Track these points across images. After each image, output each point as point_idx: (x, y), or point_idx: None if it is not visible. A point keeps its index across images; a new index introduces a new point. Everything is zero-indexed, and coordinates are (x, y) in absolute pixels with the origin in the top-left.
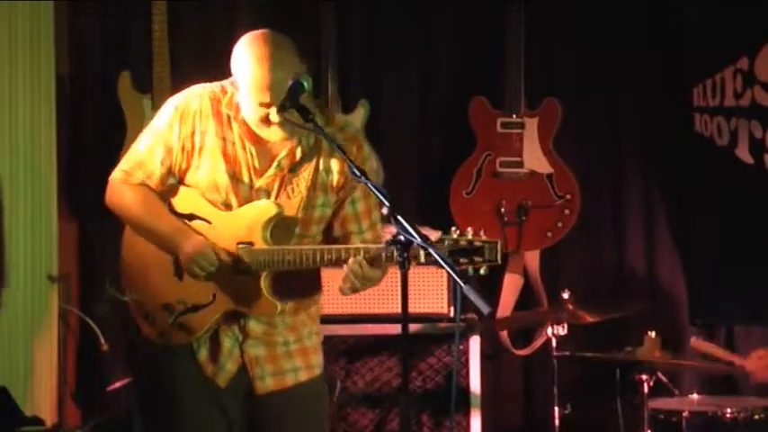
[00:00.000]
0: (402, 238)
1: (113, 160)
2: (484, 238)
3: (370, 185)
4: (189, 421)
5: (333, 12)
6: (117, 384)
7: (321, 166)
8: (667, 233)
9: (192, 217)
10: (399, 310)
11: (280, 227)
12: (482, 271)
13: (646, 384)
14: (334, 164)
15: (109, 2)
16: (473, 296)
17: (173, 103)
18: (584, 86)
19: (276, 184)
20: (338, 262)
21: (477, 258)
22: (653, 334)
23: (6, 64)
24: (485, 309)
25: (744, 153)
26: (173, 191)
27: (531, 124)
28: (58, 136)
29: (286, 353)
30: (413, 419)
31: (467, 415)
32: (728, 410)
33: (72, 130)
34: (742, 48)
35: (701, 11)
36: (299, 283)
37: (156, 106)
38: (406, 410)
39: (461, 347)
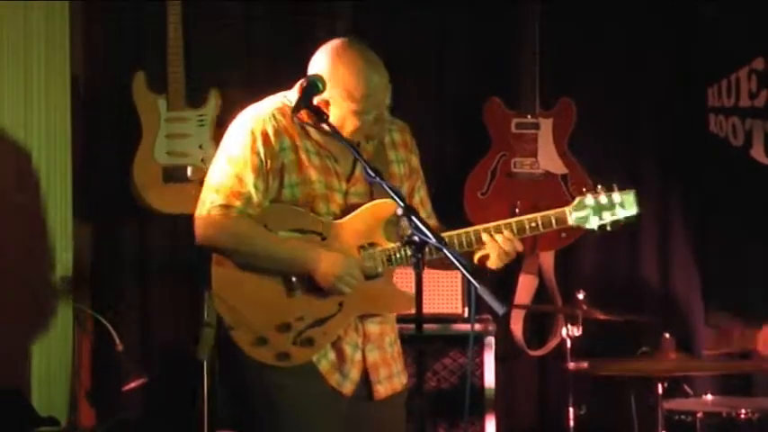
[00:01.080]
0: (417, 238)
1: (128, 161)
2: (619, 191)
3: (384, 186)
4: None
5: (348, 12)
6: (132, 384)
7: (391, 157)
8: (682, 233)
9: (300, 231)
10: (414, 311)
11: (391, 221)
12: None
13: (660, 385)
14: (401, 154)
15: (124, 2)
16: (487, 297)
17: (247, 128)
18: (598, 87)
19: (365, 186)
20: (477, 242)
21: (618, 211)
22: (668, 335)
23: (22, 64)
24: (499, 309)
25: (759, 153)
26: (270, 213)
27: (546, 125)
28: (73, 137)
29: (392, 356)
30: (427, 420)
31: (481, 416)
32: (743, 411)
33: (87, 130)
34: (757, 48)
35: (716, 11)
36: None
37: (170, 107)
38: (421, 411)
39: (476, 348)
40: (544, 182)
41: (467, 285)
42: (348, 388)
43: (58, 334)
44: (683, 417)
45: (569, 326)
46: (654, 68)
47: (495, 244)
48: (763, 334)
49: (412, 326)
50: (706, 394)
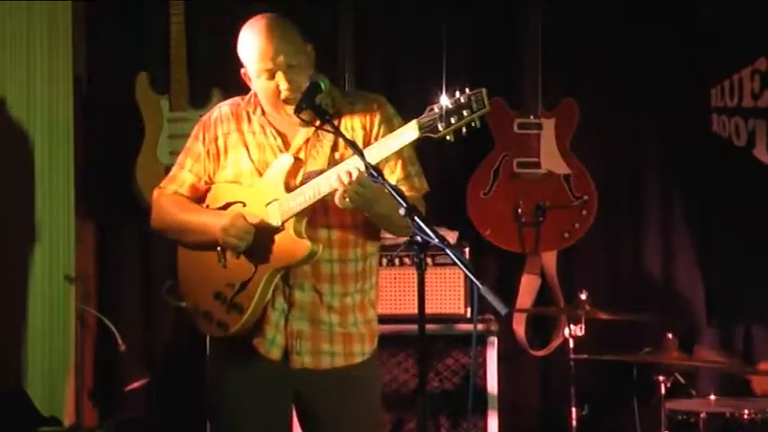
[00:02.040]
0: (419, 238)
1: (131, 161)
2: (468, 92)
3: (387, 186)
4: (240, 404)
5: (350, 13)
6: (134, 384)
7: (343, 127)
8: (685, 233)
9: (226, 205)
10: (416, 311)
11: (291, 176)
12: (476, 124)
13: (663, 385)
14: (357, 122)
15: (126, 2)
16: (490, 297)
17: (199, 120)
18: (601, 87)
19: (302, 155)
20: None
21: (466, 112)
22: (670, 335)
23: (24, 64)
24: (502, 309)
25: (762, 153)
26: (208, 193)
27: (549, 125)
28: (76, 137)
29: (329, 334)
30: (430, 420)
31: (484, 416)
32: (746, 412)
33: (89, 131)
34: (760, 48)
35: (719, 12)
36: (345, 253)
37: (173, 107)
38: (424, 411)
39: (479, 348)
40: (547, 182)
41: (469, 285)
42: (275, 353)
43: (61, 334)
44: (685, 417)
45: (572, 326)
46: (656, 69)
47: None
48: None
49: (415, 326)
50: (709, 395)
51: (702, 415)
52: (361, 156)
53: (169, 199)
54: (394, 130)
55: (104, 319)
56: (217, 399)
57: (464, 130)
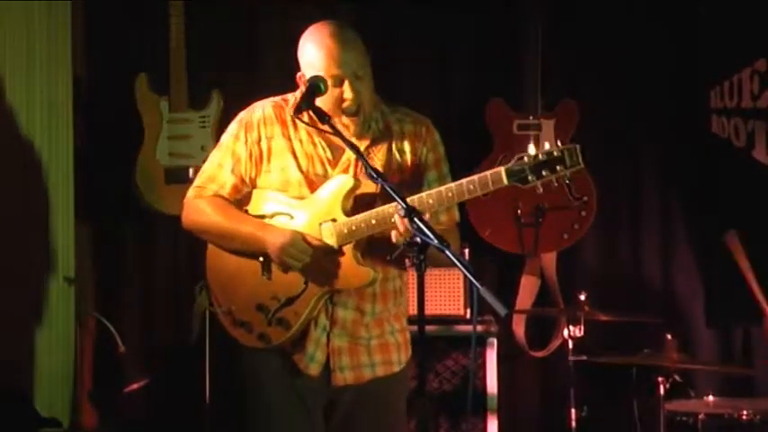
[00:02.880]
0: (419, 239)
1: (130, 162)
2: (560, 146)
3: (386, 186)
4: (276, 418)
5: (350, 13)
6: (134, 386)
7: (394, 147)
8: (684, 234)
9: (272, 215)
10: (416, 312)
11: (361, 203)
12: (567, 180)
13: (662, 386)
14: (407, 145)
15: (126, 3)
16: (490, 298)
17: (238, 118)
18: (600, 88)
19: (351, 170)
20: (429, 209)
21: (559, 168)
22: (669, 336)
23: (24, 65)
24: (501, 310)
25: (761, 154)
26: (250, 198)
27: (548, 126)
28: (75, 138)
29: (366, 347)
30: (430, 421)
31: (483, 417)
32: (745, 412)
33: (89, 132)
34: (759, 49)
35: (718, 12)
36: (387, 273)
37: (173, 108)
38: (424, 412)
39: (478, 349)
40: (546, 183)
41: (469, 286)
42: (314, 369)
43: (61, 335)
44: (684, 418)
45: (571, 327)
46: (656, 69)
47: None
48: None
49: (414, 327)
50: (708, 395)
51: (701, 416)
52: (369, 169)
53: (211, 201)
54: (439, 158)
55: (104, 320)
56: (251, 409)
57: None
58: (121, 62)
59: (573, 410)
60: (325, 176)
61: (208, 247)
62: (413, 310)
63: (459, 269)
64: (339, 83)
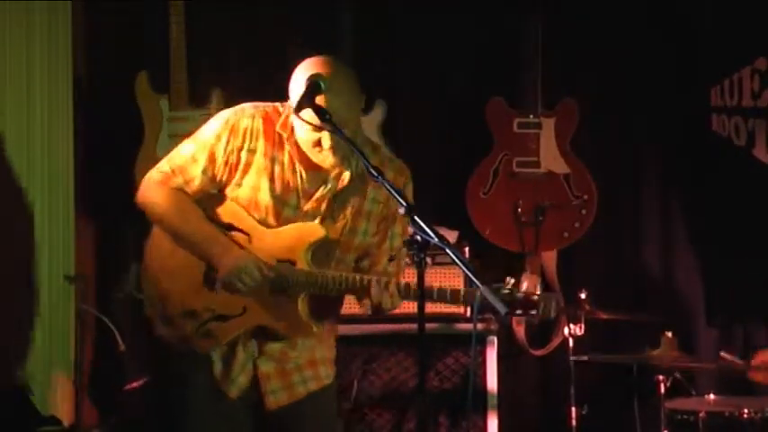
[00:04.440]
0: (419, 238)
1: (131, 161)
2: (539, 292)
3: (386, 185)
4: (196, 428)
5: (349, 12)
6: (134, 384)
7: (369, 195)
8: (684, 233)
9: (230, 227)
10: (416, 310)
11: (321, 249)
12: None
13: (663, 385)
14: (382, 195)
15: (126, 2)
16: (490, 297)
17: (223, 117)
18: (601, 87)
19: (323, 207)
20: (366, 290)
21: (531, 312)
22: (670, 334)
23: (24, 64)
24: (501, 309)
25: (761, 153)
26: (215, 201)
27: (548, 124)
28: (75, 136)
29: (295, 366)
30: (430, 420)
31: (484, 415)
32: (745, 411)
33: (89, 130)
34: (759, 48)
35: (719, 11)
36: (334, 307)
37: (173, 107)
38: (424, 411)
39: (478, 348)
40: (546, 181)
41: (469, 285)
42: (233, 393)
43: (61, 333)
44: (685, 416)
45: (572, 325)
46: (656, 68)
47: (378, 297)
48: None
49: (414, 325)
50: (708, 394)
51: (702, 414)
52: (368, 166)
53: (173, 195)
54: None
55: (104, 318)
56: (174, 412)
57: None
58: (122, 61)
59: (573, 409)
60: (297, 207)
61: (153, 230)
62: (411, 307)
63: (460, 267)
64: (318, 130)
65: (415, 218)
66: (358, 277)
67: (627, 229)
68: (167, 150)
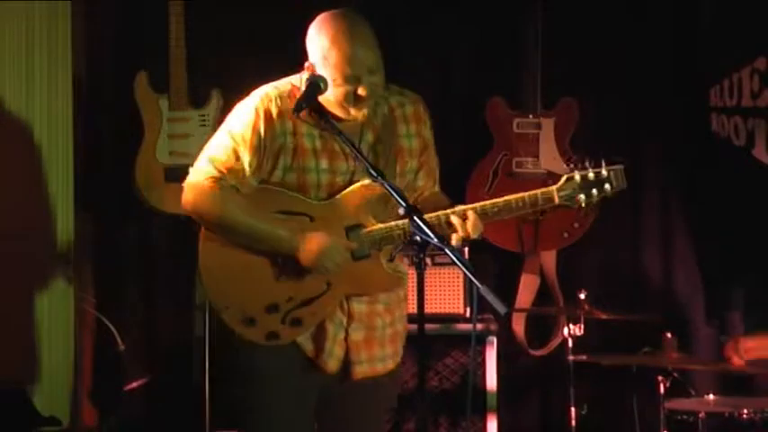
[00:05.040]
0: (418, 238)
1: (130, 161)
2: (606, 167)
3: (386, 186)
4: (288, 419)
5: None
6: (133, 384)
7: (401, 132)
8: (683, 233)
9: (287, 213)
10: (416, 311)
11: (379, 202)
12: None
13: (662, 385)
14: (413, 128)
15: (126, 2)
16: (490, 296)
17: (252, 106)
18: (600, 86)
19: (370, 161)
20: (447, 225)
21: (607, 187)
22: (669, 335)
23: (24, 63)
24: (501, 309)
25: (761, 153)
26: (262, 193)
27: (548, 124)
28: (75, 136)
29: (381, 338)
30: (429, 420)
31: (483, 415)
32: (745, 411)
33: (89, 130)
34: (759, 48)
35: (719, 11)
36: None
37: (172, 107)
38: (423, 411)
39: (478, 348)
40: (546, 181)
41: (469, 285)
42: (333, 365)
43: (60, 333)
44: (684, 417)
45: (571, 325)
46: (656, 68)
47: (464, 227)
48: (741, 346)
49: (414, 325)
50: (708, 394)
51: (701, 414)
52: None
53: (233, 197)
54: (432, 133)
55: (104, 318)
56: (252, 407)
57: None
58: (121, 61)
59: (573, 409)
60: (346, 173)
61: (202, 243)
62: (410, 308)
63: (459, 268)
64: (354, 80)
65: (415, 218)
66: (439, 215)
67: (626, 229)
68: (167, 150)
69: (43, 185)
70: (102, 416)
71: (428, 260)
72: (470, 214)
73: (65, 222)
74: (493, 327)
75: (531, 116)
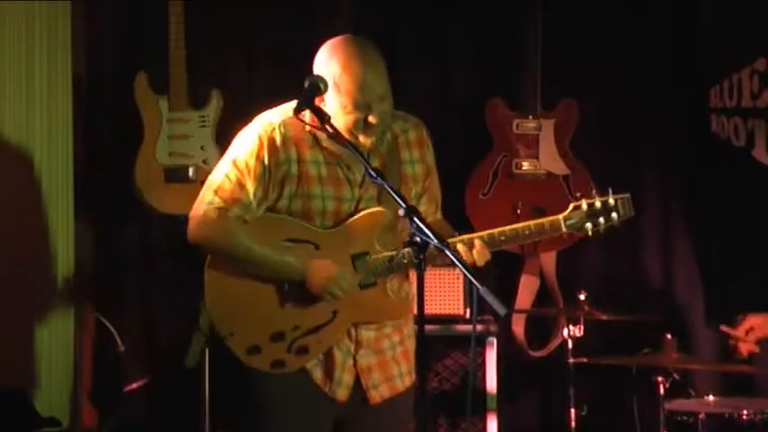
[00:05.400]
0: (418, 239)
1: (130, 162)
2: (613, 195)
3: (386, 186)
4: None
5: (351, 13)
6: (133, 385)
7: (404, 158)
8: (683, 234)
9: (294, 241)
10: (416, 312)
11: (386, 229)
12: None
13: (662, 386)
14: (416, 154)
15: (126, 2)
16: (489, 298)
17: (255, 133)
18: (600, 87)
19: (374, 190)
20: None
21: (614, 215)
22: (669, 336)
23: (23, 64)
24: (501, 310)
25: (761, 154)
26: (267, 221)
27: (548, 125)
28: (75, 136)
29: (393, 357)
30: (429, 421)
31: (483, 416)
32: (745, 412)
33: (89, 130)
34: (759, 48)
35: (719, 11)
36: (402, 282)
37: (172, 107)
38: (423, 412)
39: (478, 349)
40: (546, 183)
41: (469, 286)
42: (342, 394)
43: (60, 334)
44: (684, 418)
45: (571, 326)
46: (655, 69)
47: (470, 255)
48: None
49: (414, 326)
50: (708, 395)
51: (701, 415)
52: (369, 169)
53: (235, 227)
54: (434, 158)
55: (103, 319)
56: (263, 429)
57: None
58: (121, 61)
59: (573, 410)
60: (352, 200)
61: (207, 271)
62: (413, 309)
63: (459, 269)
64: (365, 108)
65: (415, 219)
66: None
67: (626, 230)
68: (167, 151)
69: (43, 186)
70: (102, 416)
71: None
72: (477, 242)
73: (65, 224)
74: (493, 328)
75: (530, 117)
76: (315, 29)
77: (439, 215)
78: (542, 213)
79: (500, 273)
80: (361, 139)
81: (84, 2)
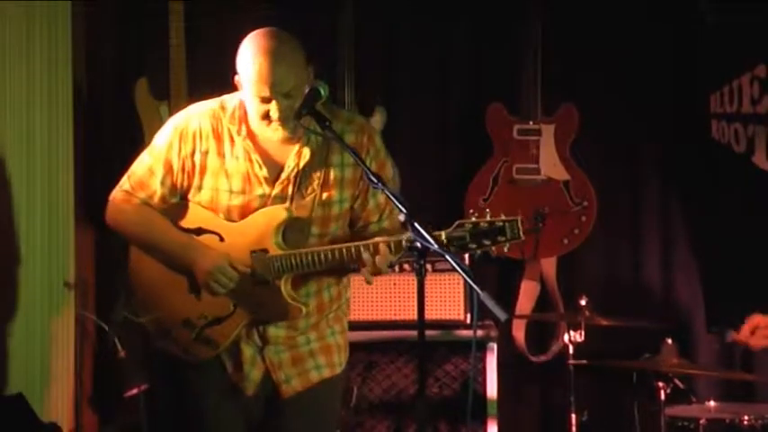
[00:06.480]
0: (419, 244)
1: (130, 165)
2: (503, 217)
3: (386, 191)
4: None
5: (351, 18)
6: (134, 390)
7: (334, 162)
8: (684, 239)
9: (199, 231)
10: (416, 317)
11: (293, 229)
12: (506, 249)
13: (663, 391)
14: (347, 157)
15: (126, 7)
16: (490, 303)
17: (172, 124)
18: (601, 93)
19: (289, 189)
20: (356, 258)
21: (500, 238)
22: (670, 341)
23: (24, 70)
24: (501, 315)
25: (761, 160)
26: (179, 209)
27: (548, 131)
28: (75, 143)
29: (309, 352)
30: (429, 426)
31: (483, 422)
32: (746, 417)
33: (89, 136)
34: (759, 55)
35: (719, 18)
36: (321, 283)
37: (172, 113)
38: (423, 417)
39: (478, 354)
40: (546, 188)
41: (469, 291)
42: (249, 389)
43: (61, 340)
44: (685, 423)
45: (571, 332)
46: (656, 75)
47: (372, 261)
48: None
49: (414, 332)
50: (709, 400)
51: (702, 421)
52: (369, 174)
53: (139, 211)
54: (382, 164)
55: (104, 325)
56: (182, 406)
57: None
58: (122, 66)
59: (573, 416)
60: (263, 197)
61: (132, 251)
62: (410, 314)
63: (460, 274)
64: (267, 101)
65: (415, 224)
66: (343, 248)
67: (627, 235)
68: None
69: (43, 191)
70: (102, 422)
71: (428, 266)
72: (382, 248)
73: (65, 228)
74: (493, 333)
75: (531, 122)
76: (315, 35)
77: (385, 224)
78: (543, 219)
79: (500, 278)
80: (269, 132)
81: (85, 2)
